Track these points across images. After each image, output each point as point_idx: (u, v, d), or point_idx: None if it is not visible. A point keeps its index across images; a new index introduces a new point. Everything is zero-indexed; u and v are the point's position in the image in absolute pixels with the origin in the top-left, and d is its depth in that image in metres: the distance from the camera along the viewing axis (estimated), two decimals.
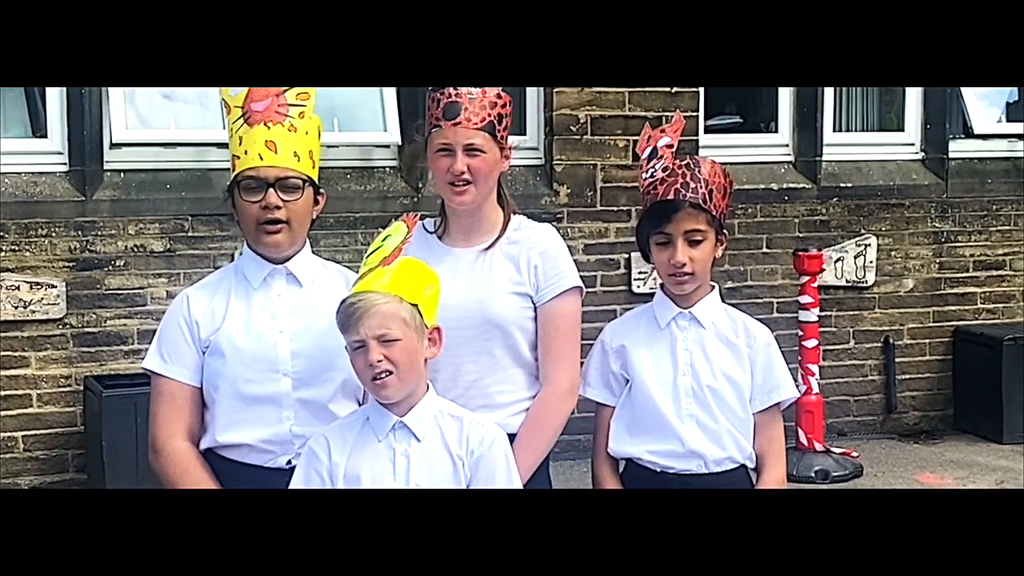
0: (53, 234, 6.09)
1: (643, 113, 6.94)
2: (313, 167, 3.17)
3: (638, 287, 6.99)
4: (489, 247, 3.29)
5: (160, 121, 6.25)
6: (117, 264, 6.19)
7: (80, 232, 6.13)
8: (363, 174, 6.68)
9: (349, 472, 2.87)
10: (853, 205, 7.41)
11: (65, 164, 6.20)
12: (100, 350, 6.16)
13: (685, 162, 3.30)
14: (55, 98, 6.18)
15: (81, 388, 6.09)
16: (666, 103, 6.98)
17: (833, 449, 6.76)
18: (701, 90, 7.10)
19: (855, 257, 7.38)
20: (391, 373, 2.83)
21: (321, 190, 3.22)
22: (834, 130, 7.54)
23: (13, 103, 6.41)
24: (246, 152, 3.11)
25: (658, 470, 3.26)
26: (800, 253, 6.76)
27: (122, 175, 6.27)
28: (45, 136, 6.24)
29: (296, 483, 2.93)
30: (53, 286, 6.07)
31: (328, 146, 6.35)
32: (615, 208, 6.95)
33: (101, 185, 6.21)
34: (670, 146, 3.33)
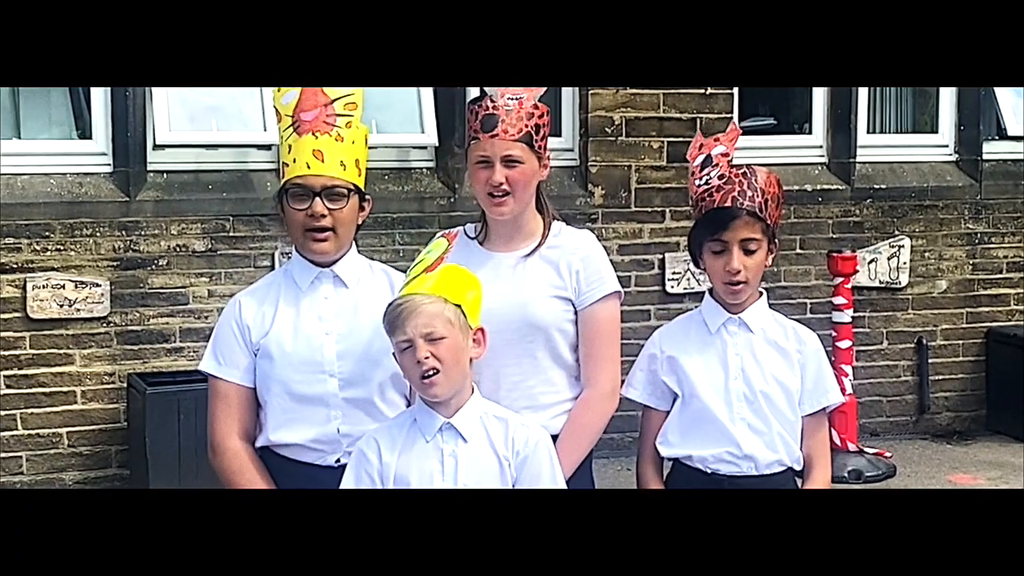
0: (98, 234, 6.20)
1: (678, 115, 7.01)
2: (359, 175, 3.26)
3: (672, 287, 7.05)
4: (530, 253, 3.36)
5: (202, 123, 6.35)
6: (160, 263, 6.30)
7: (124, 232, 6.24)
8: (400, 175, 6.76)
9: (399, 472, 2.95)
10: (887, 206, 7.44)
11: (109, 165, 6.31)
12: (143, 348, 6.27)
13: (742, 171, 3.33)
14: (100, 100, 6.30)
15: (124, 385, 6.19)
16: (700, 105, 7.04)
17: (866, 449, 6.79)
18: (735, 92, 7.15)
19: (888, 258, 7.41)
20: (438, 371, 2.91)
21: (367, 196, 3.30)
22: (868, 132, 7.57)
23: (58, 105, 6.54)
24: (295, 160, 3.20)
25: (708, 471, 3.32)
26: (834, 254, 6.80)
27: (165, 176, 6.38)
28: (90, 137, 6.36)
29: (347, 483, 3.01)
30: (97, 285, 6.18)
31: None
32: (649, 209, 7.01)
33: (144, 186, 6.31)
34: (725, 155, 3.36)
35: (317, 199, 3.17)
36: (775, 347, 3.36)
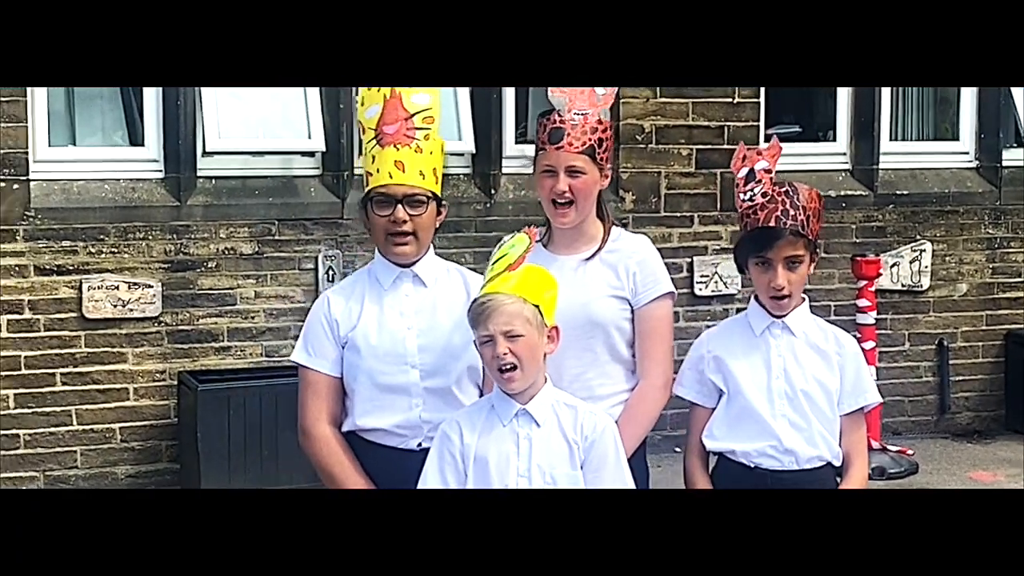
0: (150, 237, 6.44)
1: (706, 123, 7.21)
2: (436, 183, 3.50)
3: (700, 290, 7.25)
4: (591, 256, 3.60)
5: (250, 131, 6.57)
6: (209, 265, 6.53)
7: (175, 235, 6.48)
8: None
9: (479, 453, 3.20)
10: (909, 212, 7.63)
11: (161, 171, 6.54)
12: (193, 347, 6.51)
13: (784, 189, 3.51)
14: (152, 109, 6.53)
15: (175, 383, 6.43)
16: (728, 113, 7.25)
17: (889, 447, 6.98)
18: (762, 100, 7.34)
19: (911, 262, 7.59)
20: (515, 367, 3.16)
21: (444, 202, 3.54)
22: (890, 139, 7.75)
23: (113, 114, 6.77)
24: (378, 170, 3.46)
25: (752, 466, 3.52)
26: (858, 258, 6.99)
27: (214, 182, 6.62)
28: (142, 145, 6.59)
29: (430, 462, 3.26)
30: (149, 286, 6.41)
31: None
32: (678, 214, 7.23)
33: (194, 191, 6.55)
34: (768, 171, 3.55)
35: (399, 206, 3.42)
36: (816, 350, 3.55)
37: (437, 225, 3.54)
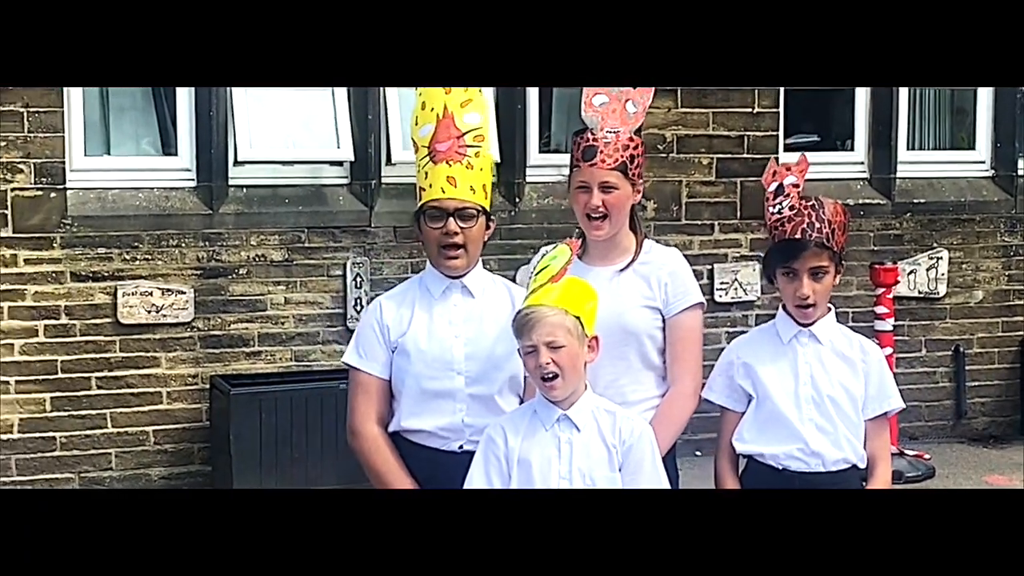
0: (183, 245, 6.59)
1: (726, 133, 7.34)
2: (486, 198, 3.65)
3: (720, 296, 7.37)
4: (624, 268, 3.75)
5: (280, 141, 6.72)
6: (240, 272, 6.68)
7: (207, 243, 6.62)
8: None
9: (522, 456, 3.34)
10: (926, 220, 7.74)
11: (193, 180, 6.70)
12: (224, 352, 6.66)
13: (811, 203, 3.67)
14: (184, 119, 6.68)
15: (207, 387, 6.58)
16: (748, 123, 7.37)
17: (906, 451, 7.07)
18: (781, 110, 7.46)
19: (927, 269, 7.70)
20: (558, 376, 3.29)
21: (492, 216, 3.69)
22: (908, 148, 7.86)
23: (146, 124, 6.92)
24: (431, 185, 3.61)
25: (780, 468, 3.66)
26: (877, 266, 7.10)
27: (245, 191, 6.76)
28: (175, 154, 6.75)
29: (476, 466, 3.39)
30: (182, 292, 6.57)
31: None
32: (699, 222, 7.35)
33: (226, 200, 6.69)
34: (796, 186, 3.70)
35: (451, 219, 3.58)
36: (841, 357, 3.70)
37: (486, 239, 3.68)
